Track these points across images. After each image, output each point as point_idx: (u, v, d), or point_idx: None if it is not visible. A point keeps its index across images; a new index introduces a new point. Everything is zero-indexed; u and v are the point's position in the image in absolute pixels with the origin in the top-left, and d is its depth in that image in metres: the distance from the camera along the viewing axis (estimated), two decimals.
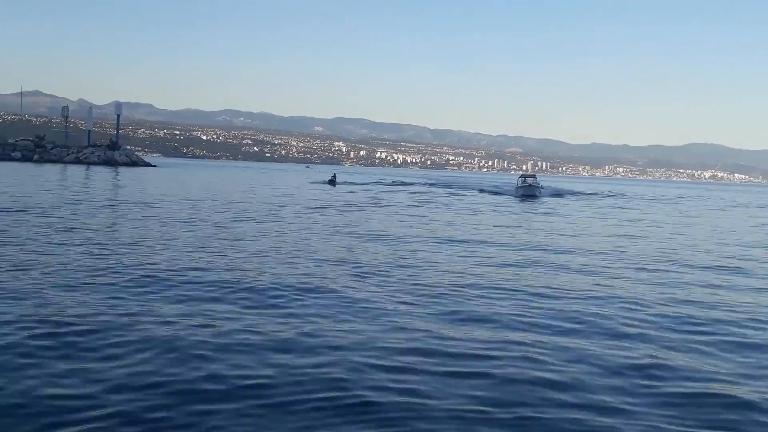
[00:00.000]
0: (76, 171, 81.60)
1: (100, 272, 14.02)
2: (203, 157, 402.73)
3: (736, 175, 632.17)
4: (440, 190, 73.02)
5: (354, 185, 75.94)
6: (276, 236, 22.36)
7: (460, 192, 71.03)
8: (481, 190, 75.85)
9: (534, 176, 71.34)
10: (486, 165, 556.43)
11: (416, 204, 46.01)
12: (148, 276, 13.80)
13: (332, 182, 76.44)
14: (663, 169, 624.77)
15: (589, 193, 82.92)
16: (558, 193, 74.43)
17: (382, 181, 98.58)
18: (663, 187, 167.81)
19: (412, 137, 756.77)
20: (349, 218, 31.14)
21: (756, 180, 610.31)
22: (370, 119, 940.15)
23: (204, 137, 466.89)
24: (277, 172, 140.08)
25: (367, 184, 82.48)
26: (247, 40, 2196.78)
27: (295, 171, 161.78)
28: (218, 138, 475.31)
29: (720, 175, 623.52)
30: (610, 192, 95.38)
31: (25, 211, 26.96)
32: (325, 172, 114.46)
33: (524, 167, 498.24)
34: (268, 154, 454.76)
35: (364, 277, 14.97)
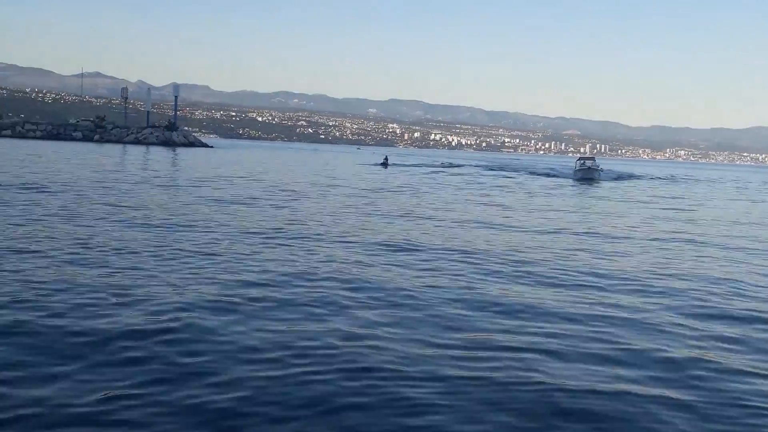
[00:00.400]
0: (135, 150, 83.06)
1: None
2: (258, 138, 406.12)
3: None
4: (493, 173, 71.57)
5: (408, 167, 75.66)
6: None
7: (513, 175, 69.38)
8: (549, 174, 73.02)
9: (593, 158, 68.75)
10: (543, 147, 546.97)
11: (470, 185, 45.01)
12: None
13: (384, 164, 76.30)
14: (726, 153, 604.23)
15: (653, 178, 79.47)
16: (621, 176, 72.29)
17: (435, 163, 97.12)
18: (732, 171, 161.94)
19: (467, 119, 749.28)
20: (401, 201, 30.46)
21: None
22: (424, 101, 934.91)
23: (259, 118, 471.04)
24: (328, 154, 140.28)
25: (419, 166, 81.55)
26: (302, 22, 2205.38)
27: (347, 153, 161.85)
28: (273, 119, 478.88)
29: None
30: (672, 176, 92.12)
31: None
32: (378, 154, 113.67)
33: (582, 150, 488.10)
34: (323, 136, 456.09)
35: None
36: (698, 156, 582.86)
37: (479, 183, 50.13)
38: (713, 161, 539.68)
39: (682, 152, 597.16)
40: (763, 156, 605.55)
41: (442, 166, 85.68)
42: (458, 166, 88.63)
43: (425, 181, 49.44)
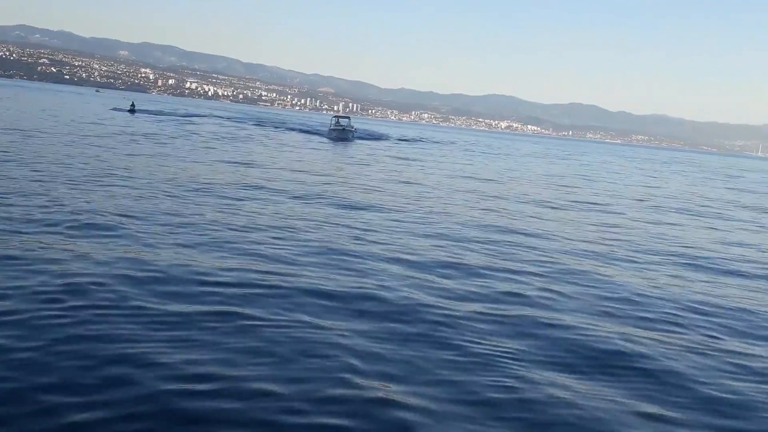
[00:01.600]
0: None
1: None
2: None
3: (529, 126, 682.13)
4: (246, 126, 71.96)
5: (157, 115, 74.30)
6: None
7: (268, 127, 70.36)
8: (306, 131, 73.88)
9: (348, 117, 69.87)
10: (299, 103, 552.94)
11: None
12: None
13: (132, 110, 73.78)
14: (464, 117, 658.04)
15: (399, 139, 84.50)
16: (374, 137, 76.07)
17: (190, 113, 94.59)
18: (466, 135, 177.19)
19: (224, 69, 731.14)
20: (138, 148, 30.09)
21: (546, 132, 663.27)
22: (180, 47, 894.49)
23: None
24: (68, 95, 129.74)
25: (170, 115, 79.56)
26: None
27: (84, 95, 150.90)
28: (11, 55, 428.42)
29: (515, 125, 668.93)
30: (420, 137, 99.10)
31: None
32: (126, 99, 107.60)
33: (336, 108, 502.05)
34: (68, 76, 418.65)
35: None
36: (440, 119, 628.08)
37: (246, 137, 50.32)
38: (452, 125, 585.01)
39: (426, 115, 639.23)
40: (496, 122, 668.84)
41: (187, 116, 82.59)
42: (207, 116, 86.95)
43: (169, 130, 48.63)
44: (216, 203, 16.90)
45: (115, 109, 77.49)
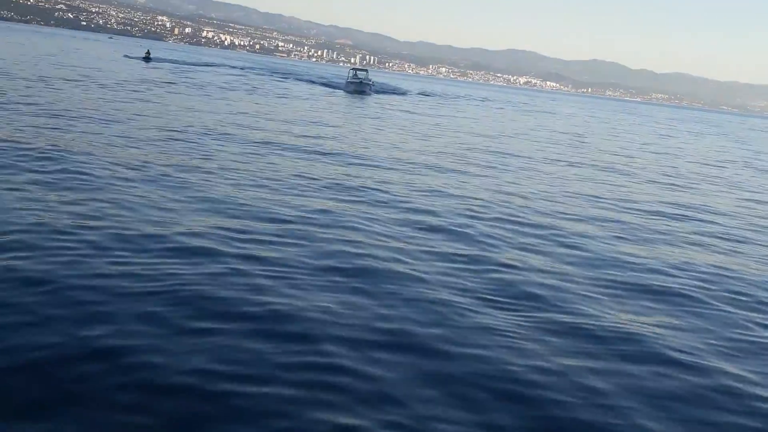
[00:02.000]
0: None
1: None
2: (11, 20, 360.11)
3: (548, 82, 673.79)
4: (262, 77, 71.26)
5: (173, 64, 73.87)
6: None
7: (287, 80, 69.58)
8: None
9: (366, 71, 67.67)
10: (316, 54, 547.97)
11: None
12: None
13: (147, 59, 73.09)
14: (482, 72, 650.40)
15: (418, 93, 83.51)
16: (393, 91, 75.07)
17: (208, 62, 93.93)
18: (487, 91, 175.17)
19: (241, 18, 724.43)
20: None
21: (565, 89, 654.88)
22: None
23: None
24: (82, 42, 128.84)
25: (185, 64, 79.04)
26: None
27: (100, 42, 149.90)
28: (28, 0, 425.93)
29: (534, 81, 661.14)
30: (437, 92, 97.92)
31: None
32: (141, 47, 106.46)
33: (353, 60, 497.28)
34: (84, 23, 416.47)
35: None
36: (457, 74, 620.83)
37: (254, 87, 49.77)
38: (470, 79, 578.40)
39: (444, 69, 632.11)
40: (515, 77, 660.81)
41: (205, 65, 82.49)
42: (234, 67, 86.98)
43: (183, 78, 48.27)
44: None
45: (130, 57, 76.81)
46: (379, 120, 34.79)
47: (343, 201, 12.88)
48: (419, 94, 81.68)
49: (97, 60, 61.20)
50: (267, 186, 13.44)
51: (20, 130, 16.45)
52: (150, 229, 9.27)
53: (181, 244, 8.81)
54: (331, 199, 12.97)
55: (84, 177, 12.17)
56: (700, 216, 16.35)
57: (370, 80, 64.11)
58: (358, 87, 60.45)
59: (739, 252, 12.72)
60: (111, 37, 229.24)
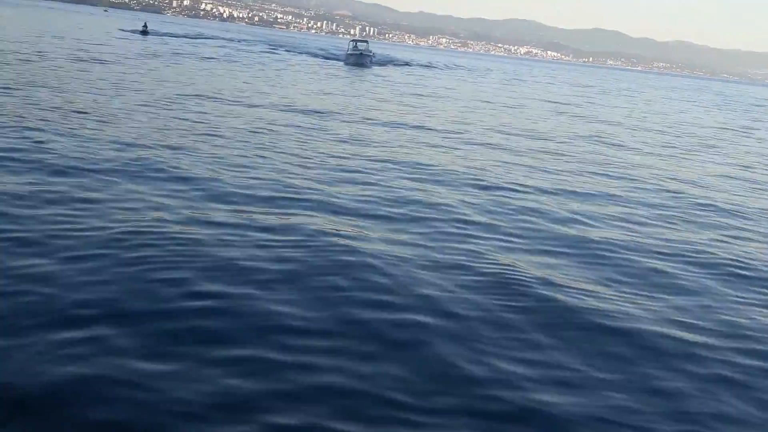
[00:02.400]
0: None
1: None
2: None
3: (549, 52, 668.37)
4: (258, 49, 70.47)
5: (173, 37, 73.41)
6: None
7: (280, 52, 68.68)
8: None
9: (366, 42, 66.28)
10: (315, 26, 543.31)
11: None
12: None
13: (144, 32, 72.48)
14: (483, 43, 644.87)
15: (425, 65, 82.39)
16: (392, 62, 74.24)
17: (207, 36, 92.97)
18: (485, 61, 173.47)
19: None
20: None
21: (566, 58, 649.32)
22: None
23: None
24: (78, 15, 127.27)
25: (183, 37, 78.45)
26: None
27: (93, 15, 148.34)
28: None
29: (534, 51, 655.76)
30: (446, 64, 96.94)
31: None
32: (139, 20, 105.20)
33: (352, 32, 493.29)
34: None
35: None
36: (458, 44, 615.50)
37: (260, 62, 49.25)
38: (470, 50, 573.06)
39: (444, 40, 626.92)
40: (515, 47, 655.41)
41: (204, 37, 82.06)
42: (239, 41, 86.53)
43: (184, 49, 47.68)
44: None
45: (126, 30, 75.92)
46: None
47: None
48: (427, 65, 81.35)
49: (89, 36, 60.42)
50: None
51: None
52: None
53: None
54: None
55: None
56: None
57: (370, 52, 62.98)
58: (359, 59, 59.39)
59: None
60: (106, 11, 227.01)
